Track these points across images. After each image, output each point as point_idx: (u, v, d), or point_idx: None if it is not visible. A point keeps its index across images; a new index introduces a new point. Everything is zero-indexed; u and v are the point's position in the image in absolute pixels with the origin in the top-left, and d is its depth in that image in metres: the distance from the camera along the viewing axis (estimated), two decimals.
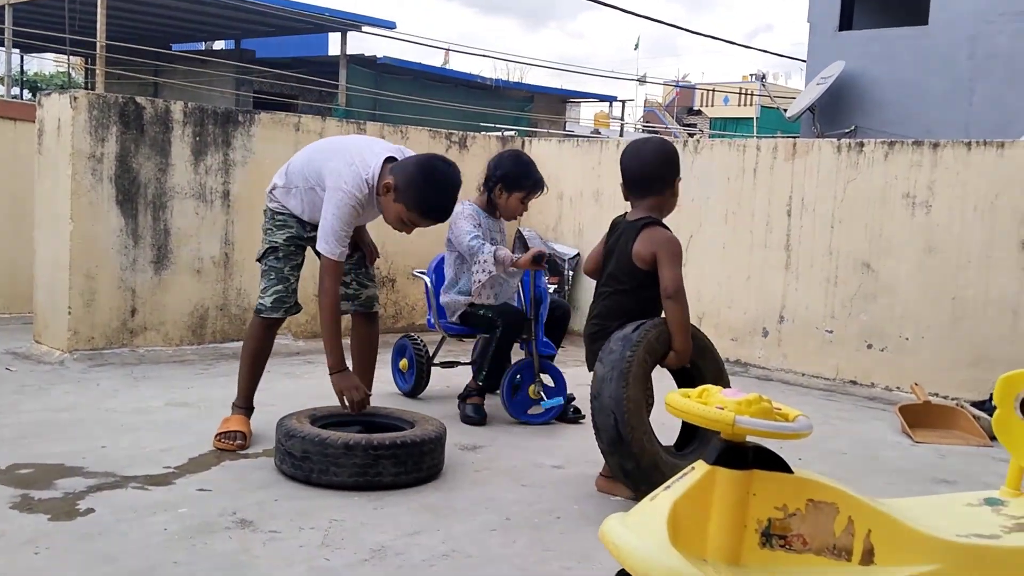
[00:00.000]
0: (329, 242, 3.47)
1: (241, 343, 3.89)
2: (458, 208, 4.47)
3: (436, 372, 4.81)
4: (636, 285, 3.26)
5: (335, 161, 3.49)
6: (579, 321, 6.82)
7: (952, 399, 4.96)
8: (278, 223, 3.72)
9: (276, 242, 3.71)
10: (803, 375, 5.65)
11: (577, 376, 5.40)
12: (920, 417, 4.58)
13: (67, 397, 4.30)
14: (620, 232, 3.34)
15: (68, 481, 3.15)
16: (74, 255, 5.00)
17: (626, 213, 3.39)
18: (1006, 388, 2.34)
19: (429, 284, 4.69)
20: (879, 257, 5.38)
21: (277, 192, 3.72)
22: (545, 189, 4.54)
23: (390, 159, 3.49)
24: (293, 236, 3.70)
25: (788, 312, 5.75)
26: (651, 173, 3.31)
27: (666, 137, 8.54)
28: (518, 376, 4.35)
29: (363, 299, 3.89)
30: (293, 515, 2.94)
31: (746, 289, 5.93)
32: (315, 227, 3.59)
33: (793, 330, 5.73)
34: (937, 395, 5.04)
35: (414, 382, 4.70)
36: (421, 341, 4.78)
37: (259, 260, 3.77)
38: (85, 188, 5.02)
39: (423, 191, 3.39)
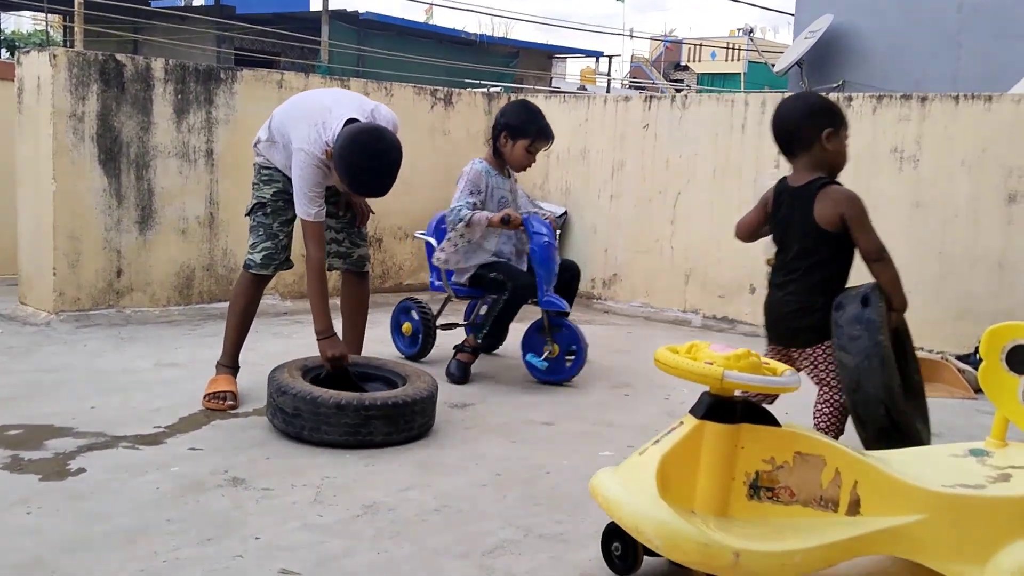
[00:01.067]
0: (301, 204, 3.46)
1: (228, 303, 3.88)
2: (466, 167, 4.34)
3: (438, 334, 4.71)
4: (833, 252, 3.03)
5: (302, 123, 3.46)
6: None
7: (937, 353, 5.00)
8: (264, 178, 3.70)
9: (264, 197, 3.68)
10: None
11: None
12: None
13: (55, 358, 4.29)
14: (789, 200, 3.08)
15: (58, 441, 3.15)
16: (57, 216, 4.95)
17: (786, 178, 3.12)
18: (992, 340, 2.36)
19: (435, 245, 4.49)
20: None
21: (261, 146, 3.69)
22: (552, 140, 4.40)
23: (351, 120, 3.42)
24: (280, 191, 3.67)
25: None
26: (789, 128, 3.08)
27: (655, 93, 8.44)
28: (533, 338, 4.30)
29: (355, 258, 3.88)
30: (285, 473, 2.96)
31: (733, 246, 5.91)
32: None
33: None
34: (922, 349, 5.07)
35: (421, 346, 4.59)
36: (427, 305, 4.66)
37: (247, 215, 3.75)
38: (67, 147, 4.96)
39: (350, 166, 3.30)
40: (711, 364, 2.16)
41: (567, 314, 4.26)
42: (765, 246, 3.32)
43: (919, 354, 4.79)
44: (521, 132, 4.28)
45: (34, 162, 5.07)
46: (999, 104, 4.97)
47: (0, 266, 6.23)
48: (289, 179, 3.63)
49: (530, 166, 4.46)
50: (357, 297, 3.95)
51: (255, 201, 3.71)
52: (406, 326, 4.67)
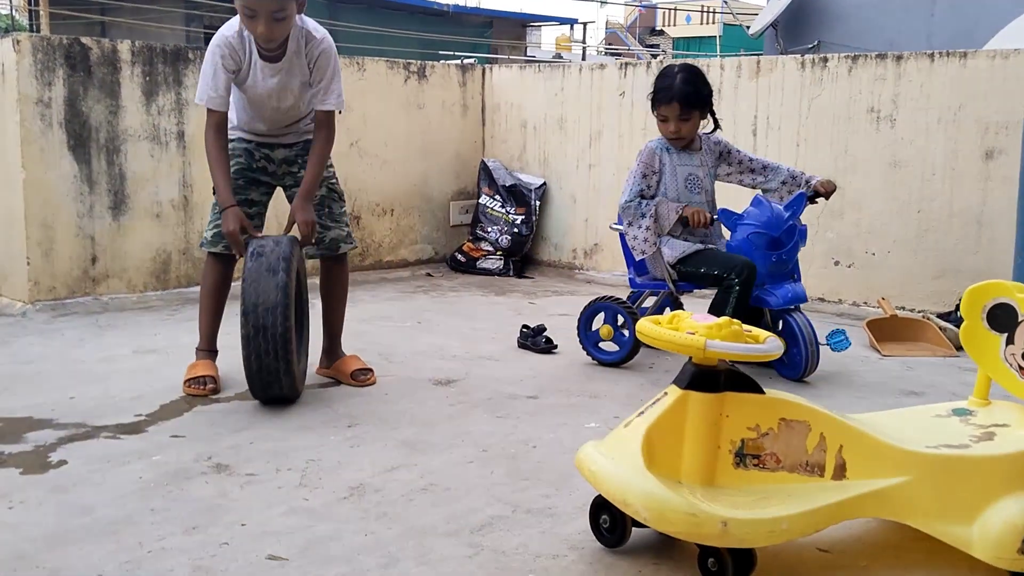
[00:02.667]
0: (200, 87, 3.48)
1: None
2: (642, 147, 4.04)
3: None
4: None
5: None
6: (547, 252, 6.82)
7: (919, 312, 5.02)
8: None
9: None
10: None
11: (549, 306, 5.41)
12: (888, 331, 4.64)
13: (32, 348, 4.24)
14: None
15: (38, 434, 3.11)
16: (28, 204, 4.87)
17: None
18: (973, 299, 2.36)
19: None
20: (845, 173, 5.38)
21: None
22: (673, 101, 3.87)
23: None
24: (242, 168, 3.62)
25: None
26: None
27: (630, 60, 8.37)
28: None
29: (327, 243, 3.73)
30: (269, 457, 2.93)
31: None
32: (264, 145, 3.64)
33: None
34: (904, 308, 5.11)
35: (631, 348, 4.04)
36: (631, 305, 4.13)
37: (214, 192, 3.70)
38: (35, 135, 4.87)
39: None
40: (693, 334, 2.15)
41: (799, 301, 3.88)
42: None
43: (901, 313, 4.84)
44: (654, 101, 3.90)
45: (1, 150, 4.98)
46: (974, 60, 4.96)
47: None
48: (251, 153, 3.65)
49: (679, 136, 3.98)
50: (335, 280, 3.85)
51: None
52: (606, 329, 4.10)
